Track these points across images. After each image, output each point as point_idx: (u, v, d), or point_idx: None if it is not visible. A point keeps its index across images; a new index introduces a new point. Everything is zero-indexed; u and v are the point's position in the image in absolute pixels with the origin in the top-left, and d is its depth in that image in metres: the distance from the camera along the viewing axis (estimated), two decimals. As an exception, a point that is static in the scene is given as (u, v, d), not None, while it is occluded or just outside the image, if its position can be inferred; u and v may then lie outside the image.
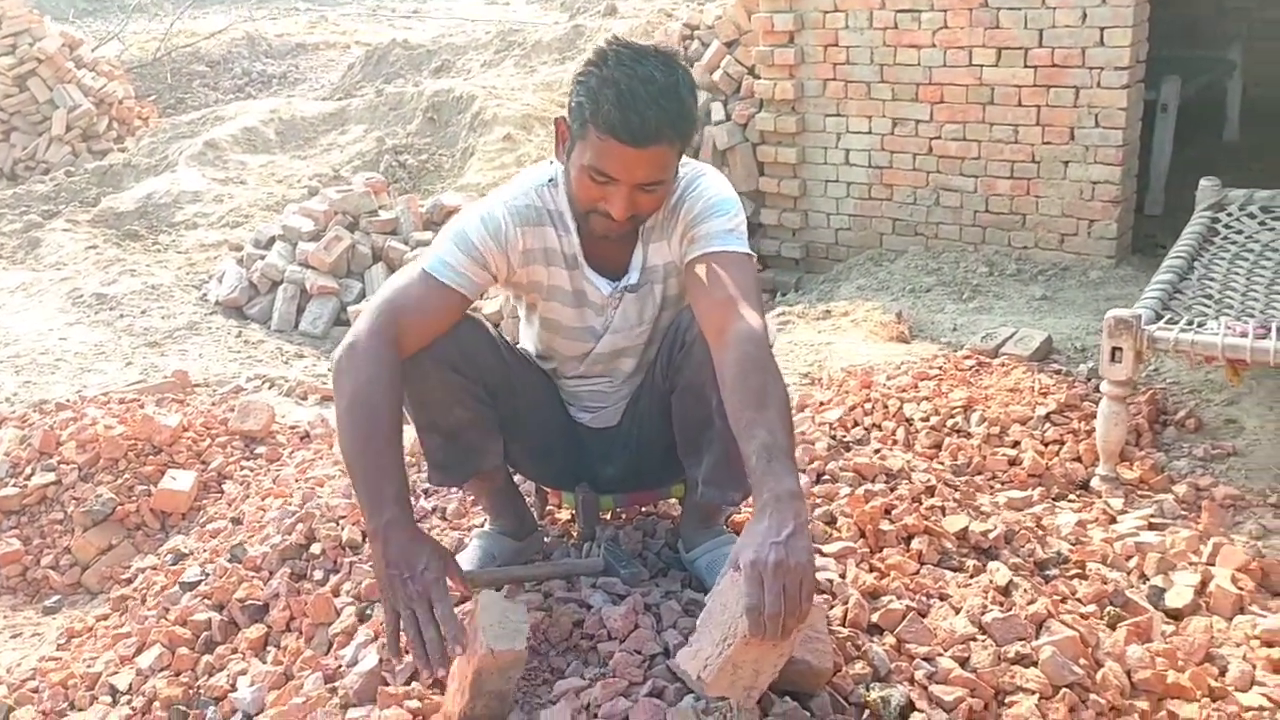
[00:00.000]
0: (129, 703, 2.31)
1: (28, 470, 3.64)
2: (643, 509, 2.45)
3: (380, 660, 1.92)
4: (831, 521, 2.37)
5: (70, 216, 7.29)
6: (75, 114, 9.26)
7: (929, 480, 2.64)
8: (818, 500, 2.46)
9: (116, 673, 2.41)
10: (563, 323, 2.14)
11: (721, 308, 1.88)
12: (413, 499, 2.70)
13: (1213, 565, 2.71)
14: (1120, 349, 3.19)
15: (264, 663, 2.25)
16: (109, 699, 2.35)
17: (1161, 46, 5.62)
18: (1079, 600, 2.39)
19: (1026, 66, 5.09)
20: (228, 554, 2.66)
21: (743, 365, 1.78)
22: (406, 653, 1.77)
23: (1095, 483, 3.30)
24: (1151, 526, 3.00)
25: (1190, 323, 3.20)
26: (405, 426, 1.96)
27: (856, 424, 3.64)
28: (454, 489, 2.59)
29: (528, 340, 2.25)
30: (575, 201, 1.96)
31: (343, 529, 2.50)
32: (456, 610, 1.78)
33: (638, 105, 1.79)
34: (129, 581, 3.17)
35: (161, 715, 2.21)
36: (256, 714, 2.05)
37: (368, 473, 1.83)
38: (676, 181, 2.00)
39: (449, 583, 1.81)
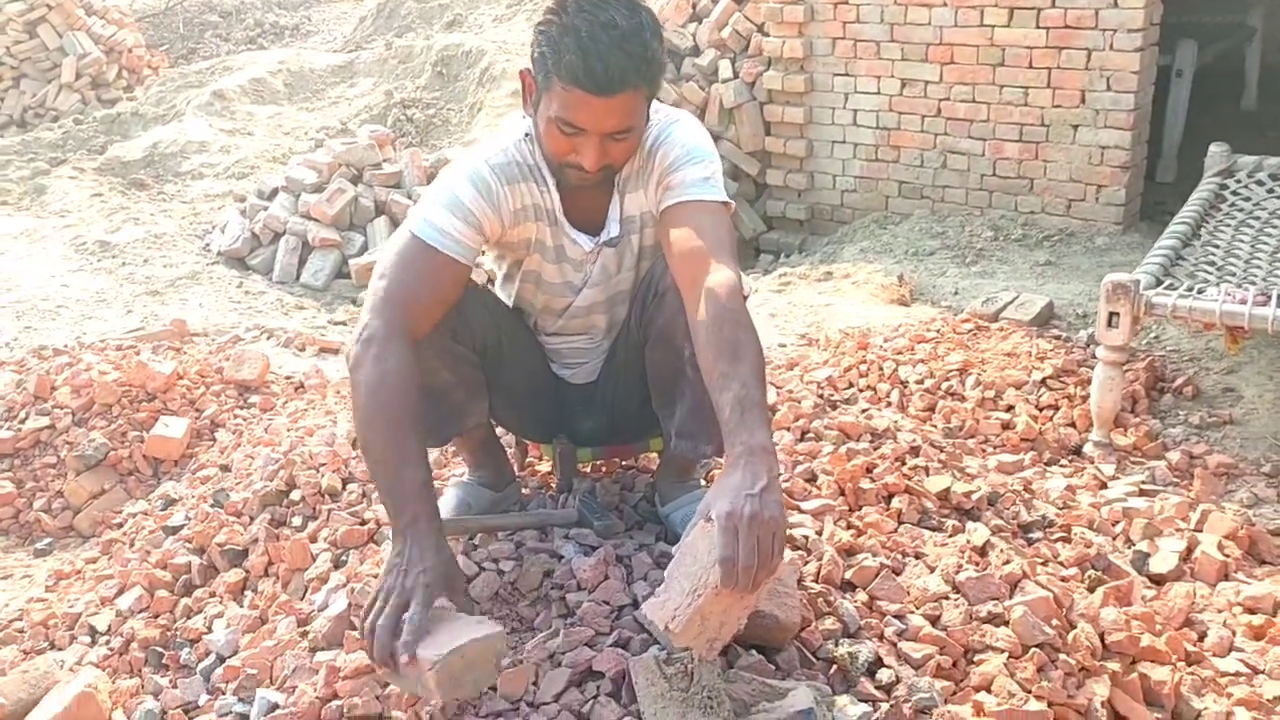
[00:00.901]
0: (107, 643, 2.32)
1: (22, 414, 3.65)
2: (622, 463, 2.44)
3: (349, 605, 1.92)
4: (812, 479, 2.35)
5: (76, 164, 7.28)
6: (85, 62, 9.22)
7: (914, 440, 2.62)
8: (800, 457, 2.45)
9: (96, 613, 2.43)
10: (543, 277, 2.11)
11: (695, 258, 1.85)
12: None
13: (1200, 532, 2.70)
14: (1117, 314, 3.16)
15: (241, 606, 2.26)
16: (88, 639, 2.37)
17: (1178, 10, 5.52)
18: (1060, 563, 2.38)
19: (1039, 27, 5.01)
20: (211, 499, 2.67)
21: (717, 318, 1.75)
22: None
23: (1088, 448, 3.28)
24: (1142, 493, 2.99)
25: (1190, 289, 3.16)
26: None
27: (851, 385, 3.62)
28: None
29: (504, 296, 2.23)
30: (547, 155, 1.92)
31: (323, 476, 2.50)
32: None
33: (600, 52, 1.74)
34: (119, 526, 3.19)
35: (139, 656, 2.23)
36: (230, 656, 2.06)
37: (388, 465, 1.76)
38: (650, 128, 1.96)
39: (439, 601, 1.69)
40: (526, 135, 1.99)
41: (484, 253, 2.06)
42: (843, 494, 2.31)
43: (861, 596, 1.97)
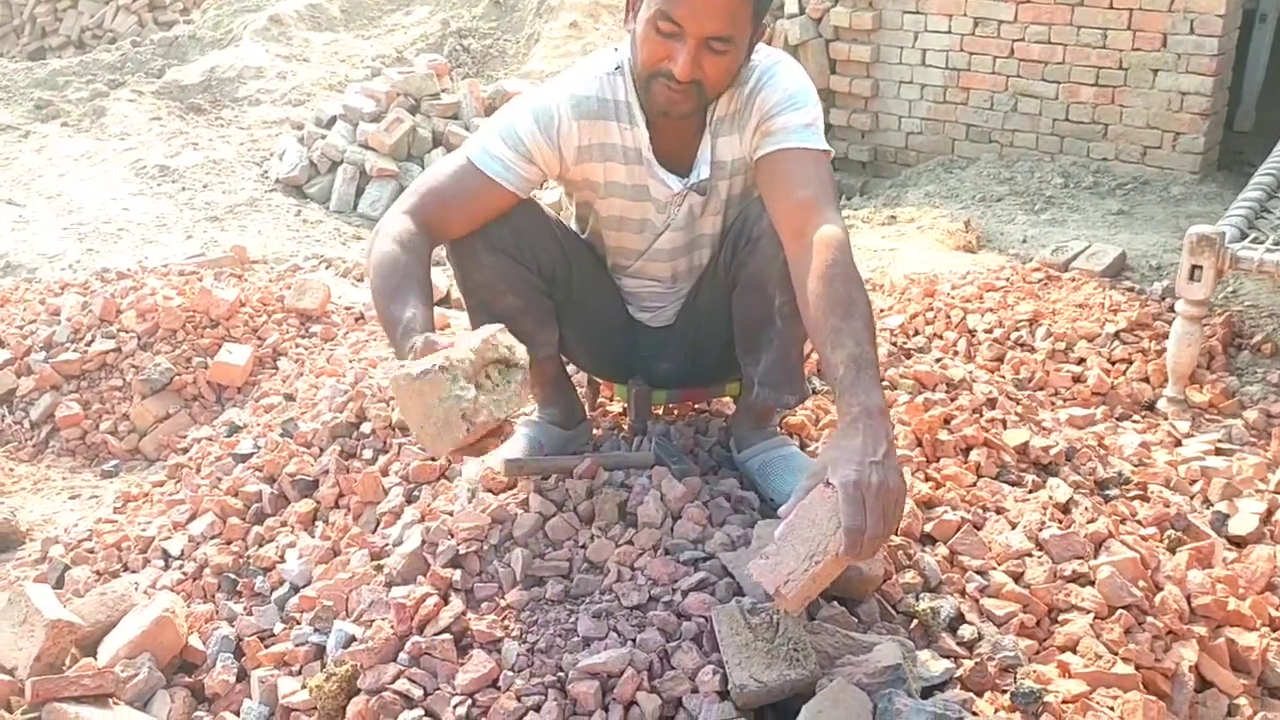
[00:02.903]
0: (180, 567, 2.34)
1: (88, 336, 3.67)
2: (695, 406, 2.41)
3: (423, 542, 1.91)
4: (888, 428, 2.31)
5: (135, 87, 7.27)
6: (142, -17, 9.21)
7: (991, 392, 2.57)
8: (875, 406, 2.40)
9: (169, 538, 2.44)
10: (622, 218, 2.06)
11: (801, 208, 1.80)
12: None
13: (1280, 494, 2.63)
14: (1200, 267, 3.07)
15: (312, 537, 2.26)
16: (161, 563, 2.39)
17: (1268, -50, 5.31)
18: (1139, 522, 2.33)
19: (1121, -34, 4.84)
20: (280, 429, 2.67)
21: (829, 271, 1.70)
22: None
23: (1162, 404, 3.21)
24: (1218, 451, 2.92)
25: (1277, 243, 3.06)
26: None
27: (918, 332, 3.56)
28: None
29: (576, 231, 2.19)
30: (639, 67, 1.85)
31: (393, 410, 2.49)
32: None
33: None
34: (185, 451, 3.22)
35: (211, 581, 2.24)
36: (304, 586, 2.07)
37: (390, 309, 1.76)
38: (750, 69, 1.90)
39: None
40: (616, 69, 1.94)
41: (542, 186, 2.02)
42: (919, 445, 2.27)
43: (942, 551, 1.94)
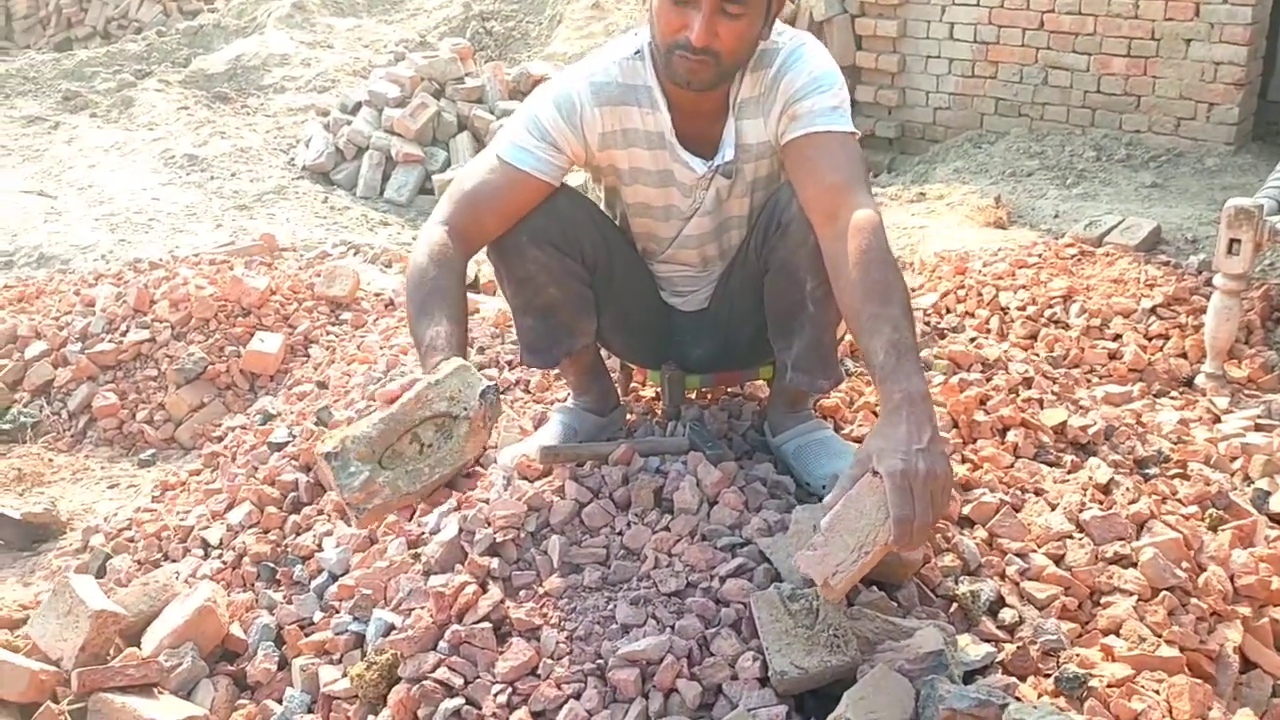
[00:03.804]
0: (220, 556, 2.36)
1: (123, 327, 3.70)
2: (728, 390, 2.40)
3: (460, 530, 1.92)
4: (924, 410, 2.29)
5: (162, 77, 7.32)
6: (165, -28, 9.24)
7: (1027, 371, 2.55)
8: (910, 387, 2.39)
9: (208, 527, 2.46)
10: (650, 204, 2.06)
11: (833, 192, 1.79)
12: (496, 371, 2.70)
13: (1322, 471, 2.59)
14: (1239, 240, 3.03)
15: (348, 525, 2.27)
16: (201, 552, 2.41)
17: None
18: (1179, 501, 2.30)
19: (1153, -66, 4.76)
20: (314, 417, 2.68)
21: (864, 257, 1.69)
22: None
23: (1200, 380, 3.18)
24: (1258, 428, 2.88)
25: (1317, 216, 3.02)
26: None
27: (949, 310, 3.54)
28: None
29: None
30: (659, 40, 1.84)
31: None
32: None
33: None
34: (220, 439, 3.24)
35: (251, 570, 2.26)
36: (342, 574, 2.08)
37: (417, 328, 1.80)
38: (774, 52, 1.89)
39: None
40: (636, 53, 1.94)
41: (569, 170, 2.02)
42: (955, 426, 2.25)
43: (981, 533, 1.93)
